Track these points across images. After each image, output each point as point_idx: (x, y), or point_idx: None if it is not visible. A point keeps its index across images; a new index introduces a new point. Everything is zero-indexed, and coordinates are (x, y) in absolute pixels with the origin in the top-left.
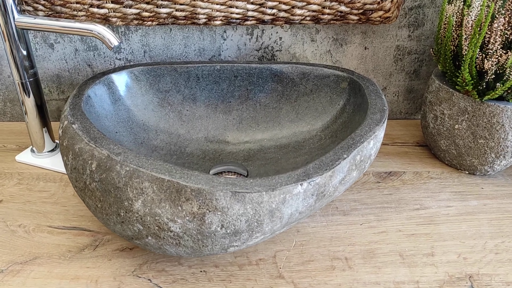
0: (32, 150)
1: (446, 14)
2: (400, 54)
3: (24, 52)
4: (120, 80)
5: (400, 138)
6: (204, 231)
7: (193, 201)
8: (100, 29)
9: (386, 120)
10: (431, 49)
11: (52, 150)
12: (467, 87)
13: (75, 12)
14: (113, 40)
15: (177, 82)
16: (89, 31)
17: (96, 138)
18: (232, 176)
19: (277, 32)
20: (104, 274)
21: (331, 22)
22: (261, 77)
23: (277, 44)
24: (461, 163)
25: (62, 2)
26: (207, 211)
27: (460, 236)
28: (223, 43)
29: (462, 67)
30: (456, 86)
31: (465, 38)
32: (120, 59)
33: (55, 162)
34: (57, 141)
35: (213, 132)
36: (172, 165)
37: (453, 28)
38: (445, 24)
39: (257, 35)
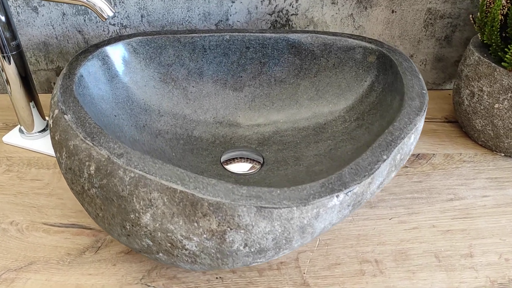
0: (20, 130)
1: None
2: (431, 18)
3: (3, 19)
4: (116, 53)
5: (427, 113)
6: (225, 250)
7: (211, 217)
8: None
9: (427, 107)
10: (470, 16)
11: (43, 130)
12: None
13: None
14: (107, 10)
15: (181, 54)
16: (79, 0)
17: (93, 134)
18: (246, 163)
19: None
20: (109, 282)
21: None
22: (276, 49)
23: (292, 7)
24: (498, 145)
25: None
26: (228, 229)
27: (500, 233)
28: (231, 6)
29: None
30: (502, 63)
31: None
32: (114, 25)
33: (47, 145)
34: (47, 119)
35: (223, 111)
36: (184, 172)
37: None
38: None
39: None
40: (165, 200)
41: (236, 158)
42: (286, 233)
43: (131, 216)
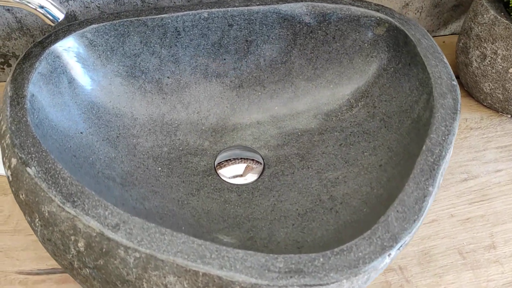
0: None
1: None
2: None
3: None
4: (69, 51)
5: None
6: None
7: None
8: None
9: (460, 103)
10: None
11: None
12: None
13: None
14: (56, 12)
15: (149, 41)
16: (18, 2)
17: (73, 195)
18: (243, 164)
19: None
20: None
21: None
22: (265, 24)
23: None
24: (506, 108)
25: None
26: None
27: None
28: None
29: None
30: None
31: None
32: None
33: None
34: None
35: (207, 103)
36: (202, 243)
37: None
38: None
39: None
40: (186, 285)
41: (231, 159)
42: None
43: None
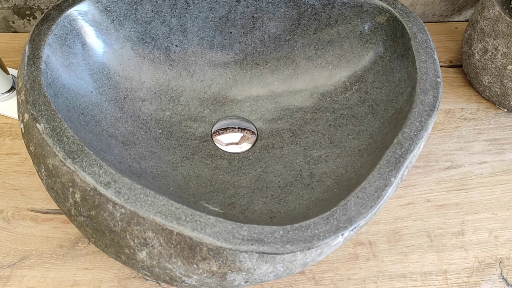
0: None
1: None
2: None
3: None
4: (85, 15)
5: None
6: (226, 285)
7: (211, 261)
8: None
9: (440, 100)
10: None
11: (12, 89)
12: None
13: None
14: None
15: (160, 10)
16: None
17: (74, 153)
18: (238, 133)
19: None
20: (106, 277)
21: None
22: (271, 2)
23: None
24: (502, 102)
25: None
26: (229, 271)
27: (493, 206)
28: None
29: None
30: None
31: None
32: None
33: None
34: (12, 74)
35: (211, 73)
36: (180, 207)
37: None
38: None
39: None
40: (162, 241)
41: (228, 128)
42: (288, 271)
43: (126, 251)
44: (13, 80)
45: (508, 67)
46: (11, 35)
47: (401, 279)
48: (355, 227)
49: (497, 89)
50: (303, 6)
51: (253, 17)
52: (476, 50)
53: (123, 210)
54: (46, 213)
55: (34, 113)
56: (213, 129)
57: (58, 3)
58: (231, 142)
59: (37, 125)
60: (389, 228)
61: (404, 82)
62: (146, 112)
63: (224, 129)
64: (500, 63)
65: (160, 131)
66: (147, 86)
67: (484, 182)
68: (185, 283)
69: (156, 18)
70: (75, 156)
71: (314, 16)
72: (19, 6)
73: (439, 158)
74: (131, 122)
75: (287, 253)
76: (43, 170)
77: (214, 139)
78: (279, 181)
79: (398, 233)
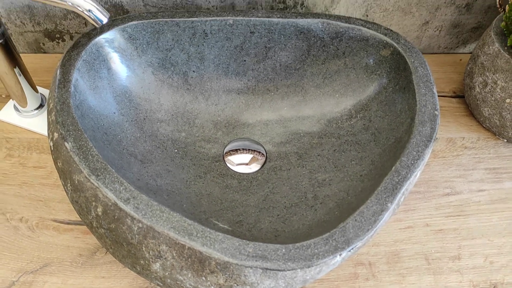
0: (15, 108)
1: None
2: None
3: None
4: (111, 42)
5: (435, 85)
6: None
7: (219, 274)
8: (81, 1)
9: (437, 132)
10: (497, 0)
11: (40, 107)
12: None
13: None
14: (101, 16)
15: (180, 39)
16: (67, 3)
17: (98, 171)
18: (248, 155)
19: None
20: (121, 285)
21: None
22: (283, 34)
23: None
24: (501, 133)
25: None
26: (235, 285)
27: (489, 232)
28: None
29: None
30: None
31: None
32: None
33: (46, 124)
34: (41, 93)
35: (225, 97)
36: (191, 224)
37: None
38: None
39: None
40: (174, 254)
41: (239, 149)
42: (289, 286)
43: (141, 262)
44: (41, 98)
45: (506, 100)
46: (41, 56)
47: None
48: (352, 248)
49: (496, 121)
50: (313, 38)
51: (266, 47)
52: (477, 83)
53: (140, 225)
54: (68, 223)
55: (63, 132)
56: (225, 150)
57: (87, 31)
58: (242, 163)
59: (65, 143)
60: (388, 250)
61: (405, 113)
62: (163, 133)
63: (236, 150)
64: (499, 96)
65: (176, 150)
66: (165, 108)
67: (481, 209)
68: None
69: (176, 46)
70: (99, 173)
71: (323, 48)
72: (49, 30)
73: (439, 184)
74: (149, 141)
75: (289, 270)
76: (69, 184)
77: (225, 159)
78: (285, 202)
79: (397, 255)
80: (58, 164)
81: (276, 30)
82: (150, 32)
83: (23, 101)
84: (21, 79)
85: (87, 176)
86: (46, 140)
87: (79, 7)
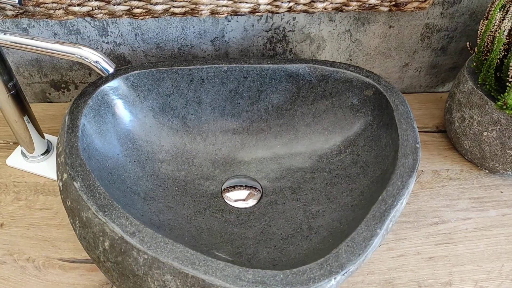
0: (22, 153)
1: (496, 25)
2: (429, 32)
3: None
4: (115, 90)
5: (419, 121)
6: None
7: None
8: (89, 54)
9: (419, 163)
10: (468, 43)
11: (46, 152)
12: (507, 111)
13: (51, 11)
14: (107, 66)
15: (179, 85)
16: (75, 56)
17: (105, 207)
18: (245, 191)
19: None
20: None
21: (357, 11)
22: (274, 78)
23: (289, 24)
24: (483, 164)
25: (35, 2)
26: None
27: (478, 259)
28: (227, 24)
29: (507, 92)
30: (496, 103)
31: None
32: (107, 43)
33: (52, 168)
34: (48, 139)
35: (221, 137)
36: (194, 254)
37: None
38: (495, 32)
39: (266, 16)
40: (178, 283)
41: (236, 186)
42: None
43: None
44: (48, 144)
45: (484, 133)
46: (47, 105)
47: None
48: (346, 272)
49: (477, 152)
50: (301, 81)
51: (258, 90)
52: (455, 118)
53: (145, 256)
54: (73, 262)
55: (72, 173)
56: (223, 187)
57: (93, 81)
58: (239, 199)
59: (74, 183)
60: (383, 278)
61: (389, 147)
62: (164, 172)
63: (233, 187)
64: (477, 129)
65: (176, 188)
66: (165, 149)
67: (469, 237)
68: None
69: (175, 92)
70: (106, 210)
71: (311, 89)
72: (56, 81)
73: (428, 214)
74: (151, 180)
75: None
76: (77, 222)
77: (223, 195)
78: (281, 234)
79: (391, 283)
80: (67, 203)
81: (267, 75)
82: (151, 79)
83: (30, 147)
84: (30, 126)
85: (95, 213)
86: (52, 183)
87: (87, 59)
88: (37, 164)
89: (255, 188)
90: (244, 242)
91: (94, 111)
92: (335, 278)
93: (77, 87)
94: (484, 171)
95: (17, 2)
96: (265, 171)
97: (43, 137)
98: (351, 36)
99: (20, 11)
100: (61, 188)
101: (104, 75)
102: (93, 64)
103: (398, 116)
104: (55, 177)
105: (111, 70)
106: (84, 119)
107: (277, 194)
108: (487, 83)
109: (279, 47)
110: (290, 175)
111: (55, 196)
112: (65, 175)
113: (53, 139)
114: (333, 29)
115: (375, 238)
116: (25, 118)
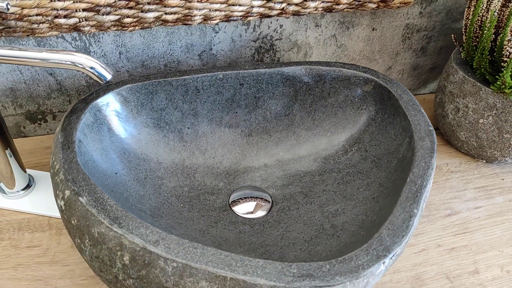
0: (1, 190)
1: (483, 9)
2: (409, 33)
3: None
4: (107, 106)
5: None
6: None
7: None
8: (84, 60)
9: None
10: (453, 36)
11: (27, 187)
12: (505, 90)
13: (34, 26)
14: (104, 72)
15: (173, 97)
16: (69, 63)
17: (119, 219)
18: (254, 202)
19: (277, 20)
20: None
21: (345, 10)
22: (270, 83)
23: (276, 32)
24: (480, 154)
25: (17, 16)
26: None
27: (498, 244)
28: (215, 36)
29: (504, 70)
30: (491, 86)
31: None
32: None
33: (35, 203)
34: (29, 173)
35: (221, 150)
36: (229, 255)
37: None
38: (482, 17)
39: (254, 25)
40: None
41: (242, 198)
42: None
43: None
44: (29, 178)
45: (480, 121)
46: (21, 140)
47: None
48: (393, 255)
49: (474, 142)
50: (298, 84)
51: (255, 97)
52: (449, 110)
53: (174, 264)
54: None
55: (75, 188)
56: (230, 200)
57: (83, 97)
58: (247, 212)
59: (80, 198)
60: (410, 274)
61: (400, 135)
62: (166, 190)
63: (239, 199)
64: (472, 118)
65: (182, 205)
66: (164, 166)
67: (483, 224)
68: None
69: (169, 105)
70: (121, 221)
71: (309, 91)
72: (32, 112)
73: (439, 207)
74: (154, 198)
75: (338, 285)
76: (87, 240)
77: (232, 209)
78: (303, 237)
79: (420, 278)
80: (73, 222)
81: (264, 80)
82: (144, 93)
83: (11, 183)
84: (11, 160)
85: (109, 226)
86: (37, 218)
87: (82, 65)
88: (18, 200)
89: (262, 198)
90: (267, 250)
91: (88, 128)
92: (383, 263)
93: (55, 117)
94: (481, 162)
95: (5, 6)
96: (271, 180)
97: (24, 171)
98: (336, 41)
99: (0, 27)
100: (63, 208)
101: (102, 82)
102: (89, 70)
103: (404, 104)
104: (40, 212)
105: (109, 76)
106: (79, 135)
107: (288, 200)
108: (482, 66)
109: (267, 57)
110: (298, 180)
111: (43, 232)
112: (67, 192)
113: (34, 173)
114: (319, 35)
115: (414, 218)
116: (7, 151)
